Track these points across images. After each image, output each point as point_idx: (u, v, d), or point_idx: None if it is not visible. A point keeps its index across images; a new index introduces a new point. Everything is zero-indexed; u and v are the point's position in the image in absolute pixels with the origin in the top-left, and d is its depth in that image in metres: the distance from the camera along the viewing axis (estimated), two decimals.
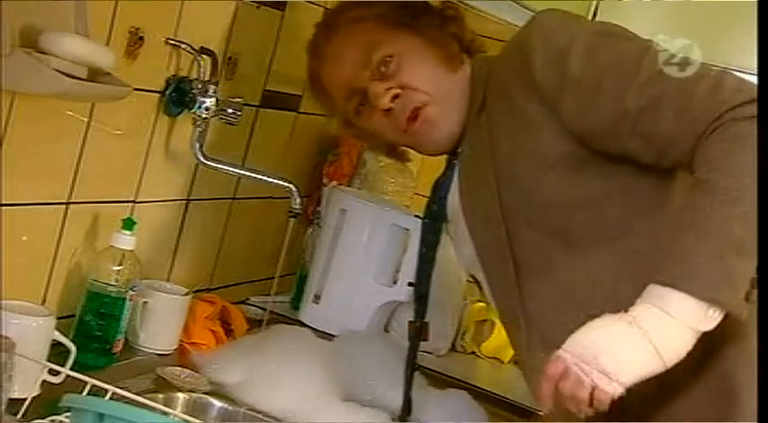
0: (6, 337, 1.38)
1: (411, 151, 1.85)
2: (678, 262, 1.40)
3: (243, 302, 2.27)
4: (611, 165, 1.56)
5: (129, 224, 1.74)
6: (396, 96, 1.69)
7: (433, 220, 1.79)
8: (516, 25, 2.02)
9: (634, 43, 1.58)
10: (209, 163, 1.93)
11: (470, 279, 2.36)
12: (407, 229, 2.25)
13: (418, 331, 1.85)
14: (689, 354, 1.42)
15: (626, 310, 1.41)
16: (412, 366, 1.86)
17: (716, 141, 1.43)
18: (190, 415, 1.54)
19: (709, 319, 1.37)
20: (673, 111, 1.48)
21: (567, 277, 1.59)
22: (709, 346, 1.46)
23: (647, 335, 1.37)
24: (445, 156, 1.75)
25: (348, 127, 1.83)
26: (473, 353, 2.46)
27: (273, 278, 2.18)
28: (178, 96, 1.85)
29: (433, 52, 1.73)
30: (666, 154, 1.50)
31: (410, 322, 1.87)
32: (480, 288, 1.79)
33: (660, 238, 1.50)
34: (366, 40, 1.72)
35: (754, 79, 1.56)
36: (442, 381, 2.09)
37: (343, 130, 1.91)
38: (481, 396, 2.04)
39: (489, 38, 2.93)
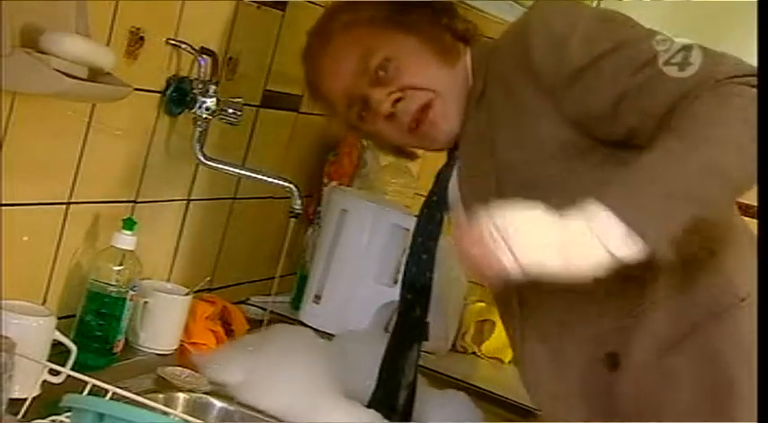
0: (7, 337, 1.38)
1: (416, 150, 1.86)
2: (621, 186, 1.39)
3: (243, 302, 2.27)
4: (611, 153, 1.56)
5: (129, 224, 1.74)
6: (397, 100, 1.69)
7: (433, 210, 1.79)
8: None
9: (634, 30, 1.58)
10: (209, 163, 1.93)
11: (472, 280, 2.37)
12: (408, 230, 2.24)
13: (414, 328, 1.85)
14: (687, 349, 1.43)
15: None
16: (408, 366, 1.86)
17: (703, 98, 1.43)
18: (190, 415, 1.54)
19: (628, 247, 1.35)
20: (672, 83, 1.47)
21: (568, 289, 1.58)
22: (706, 344, 1.47)
23: (562, 234, 1.37)
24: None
25: (353, 130, 1.83)
26: (473, 353, 2.47)
27: (274, 278, 2.18)
28: (178, 96, 1.85)
29: (430, 49, 1.72)
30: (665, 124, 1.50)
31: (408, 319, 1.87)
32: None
33: None
34: (361, 46, 1.71)
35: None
36: (442, 381, 2.09)
37: (349, 133, 1.91)
38: (482, 396, 2.04)
39: (490, 38, 2.94)
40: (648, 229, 1.35)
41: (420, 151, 1.88)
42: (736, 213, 1.65)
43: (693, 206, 1.38)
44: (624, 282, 1.51)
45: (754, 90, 1.42)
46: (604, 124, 1.54)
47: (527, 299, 1.64)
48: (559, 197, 1.56)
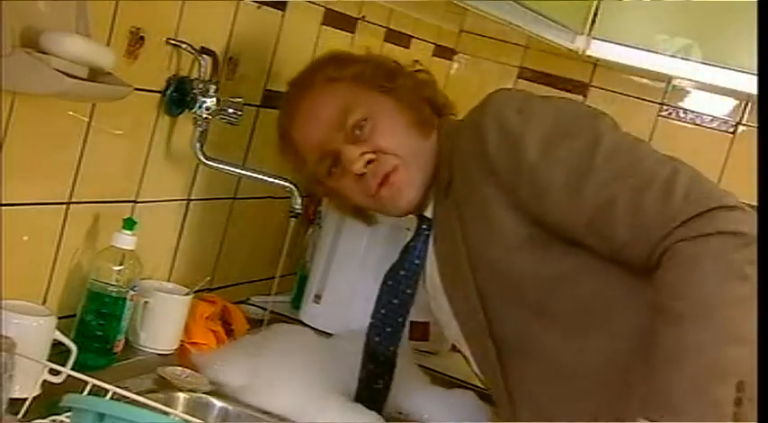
0: (7, 337, 1.38)
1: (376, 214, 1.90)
2: (661, 395, 1.40)
3: (243, 302, 2.27)
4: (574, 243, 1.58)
5: (129, 224, 1.74)
6: (369, 161, 1.70)
7: (401, 284, 1.82)
8: (516, 25, 2.02)
9: (589, 131, 1.58)
10: (209, 163, 1.93)
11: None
12: (408, 229, 2.24)
13: (376, 401, 1.85)
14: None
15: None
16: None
17: (671, 265, 1.44)
18: (190, 415, 1.53)
19: None
20: (627, 215, 1.49)
21: (551, 352, 1.60)
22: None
23: None
24: None
25: (316, 185, 1.84)
26: None
27: (274, 278, 2.18)
28: (179, 96, 1.85)
29: (407, 116, 1.75)
30: (621, 255, 1.52)
31: (412, 322, 1.88)
32: (468, 362, 1.80)
33: (640, 308, 1.51)
34: (341, 102, 1.73)
35: (754, 79, 1.56)
36: (442, 381, 2.09)
37: (311, 188, 1.92)
38: (482, 396, 2.04)
39: (490, 38, 2.95)
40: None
41: (379, 216, 1.90)
42: None
43: (727, 378, 1.39)
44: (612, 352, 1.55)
45: (719, 240, 1.42)
46: (560, 231, 1.57)
47: (515, 392, 1.66)
48: (534, 287, 1.58)
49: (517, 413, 1.65)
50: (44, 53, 1.42)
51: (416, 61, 1.89)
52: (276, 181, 2.00)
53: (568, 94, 2.84)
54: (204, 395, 1.76)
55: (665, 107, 2.79)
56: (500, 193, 1.60)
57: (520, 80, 2.90)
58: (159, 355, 1.87)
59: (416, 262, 1.80)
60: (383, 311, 1.84)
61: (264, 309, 2.19)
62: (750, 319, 1.37)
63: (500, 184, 1.60)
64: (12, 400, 1.38)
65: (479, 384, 2.16)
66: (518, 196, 1.59)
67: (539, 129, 1.58)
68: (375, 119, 1.72)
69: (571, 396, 1.60)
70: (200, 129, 1.89)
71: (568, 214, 1.54)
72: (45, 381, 1.52)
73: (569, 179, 1.53)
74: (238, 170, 2.02)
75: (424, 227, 1.79)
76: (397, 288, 1.83)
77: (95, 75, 1.50)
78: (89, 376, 1.43)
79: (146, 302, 1.85)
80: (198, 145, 1.90)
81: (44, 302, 1.69)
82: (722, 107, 2.76)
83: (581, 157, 1.54)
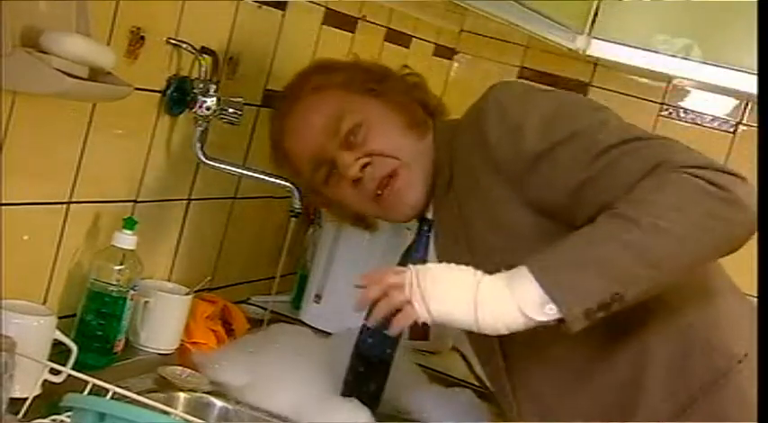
0: (7, 337, 1.38)
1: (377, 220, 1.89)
2: (549, 254, 1.44)
3: (244, 302, 2.27)
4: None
5: (130, 224, 1.74)
6: (365, 165, 1.70)
7: None
8: (517, 25, 2.02)
9: (590, 117, 1.58)
10: (210, 163, 1.93)
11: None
12: (409, 230, 2.25)
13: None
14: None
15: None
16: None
17: (644, 183, 1.45)
18: (191, 415, 1.54)
19: (543, 313, 1.40)
20: (625, 175, 1.48)
21: (557, 351, 1.59)
22: (711, 412, 1.50)
23: (478, 293, 1.42)
24: None
25: (314, 195, 1.84)
26: None
27: (274, 278, 2.18)
28: (179, 96, 1.85)
29: (401, 118, 1.74)
30: None
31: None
32: (469, 365, 1.80)
33: (651, 305, 1.50)
34: (333, 109, 1.73)
35: (754, 79, 1.56)
36: (443, 380, 2.09)
37: (309, 198, 1.91)
38: (481, 395, 2.04)
39: (490, 37, 2.95)
40: (564, 298, 1.39)
41: (380, 222, 1.89)
42: (718, 275, 1.63)
43: (611, 283, 1.40)
44: (619, 354, 1.54)
45: (699, 181, 1.42)
46: (564, 213, 1.55)
47: (521, 390, 1.66)
48: None
49: (522, 413, 1.65)
50: (44, 53, 1.42)
51: (405, 66, 1.88)
52: (276, 181, 2.00)
53: None
54: (204, 395, 1.76)
55: (665, 107, 2.80)
56: (503, 182, 1.59)
57: (520, 80, 2.90)
58: (159, 354, 1.88)
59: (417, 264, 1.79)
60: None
61: (265, 308, 2.20)
62: (668, 248, 1.40)
63: (503, 172, 1.59)
64: (12, 399, 1.38)
65: (479, 384, 2.16)
66: (522, 184, 1.57)
67: (540, 117, 1.57)
68: (368, 123, 1.72)
69: (577, 396, 1.59)
70: (201, 128, 1.89)
71: (570, 193, 1.53)
72: (45, 380, 1.52)
73: (571, 160, 1.53)
74: (239, 170, 2.02)
75: (425, 228, 1.79)
76: None
77: (96, 74, 1.50)
78: (89, 376, 1.43)
79: (146, 302, 1.85)
80: (198, 145, 1.90)
81: (44, 302, 1.69)
82: (722, 107, 2.76)
83: (580, 138, 1.53)
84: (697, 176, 1.42)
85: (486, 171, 1.61)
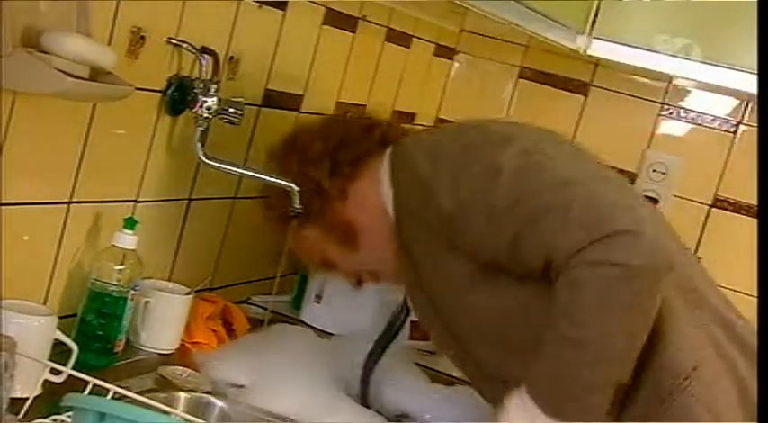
0: (8, 337, 1.38)
1: None
2: (534, 382, 1.50)
3: (244, 302, 2.27)
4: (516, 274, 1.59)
5: (130, 223, 1.74)
6: (359, 280, 1.83)
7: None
8: (517, 24, 2.02)
9: (488, 164, 1.57)
10: (210, 162, 1.93)
11: None
12: None
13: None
14: None
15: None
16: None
17: (561, 286, 1.48)
18: (191, 415, 1.54)
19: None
20: (534, 246, 1.51)
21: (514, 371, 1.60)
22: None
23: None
24: None
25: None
26: None
27: (275, 278, 2.19)
28: (180, 96, 1.85)
29: (333, 235, 1.76)
30: (547, 278, 1.53)
31: (412, 322, 1.88)
32: None
33: None
34: (294, 246, 1.84)
35: (754, 79, 1.56)
36: (443, 380, 2.09)
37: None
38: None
39: (490, 37, 2.95)
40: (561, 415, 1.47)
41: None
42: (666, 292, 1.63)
43: (592, 394, 1.48)
44: None
45: (600, 272, 1.45)
46: (492, 265, 1.58)
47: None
48: (494, 320, 1.59)
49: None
50: (45, 53, 1.42)
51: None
52: (277, 180, 2.00)
53: (569, 94, 2.85)
54: (205, 395, 1.76)
55: (665, 107, 2.79)
56: (434, 238, 1.62)
57: (521, 80, 2.90)
58: (160, 354, 1.88)
59: None
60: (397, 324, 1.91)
61: (265, 308, 2.20)
62: (626, 344, 1.47)
63: (431, 231, 1.61)
64: (13, 399, 1.39)
65: None
66: (448, 240, 1.60)
67: (447, 172, 1.59)
68: (323, 253, 1.80)
69: None
70: (201, 128, 1.89)
71: (492, 252, 1.56)
72: (46, 380, 1.52)
73: (481, 219, 1.55)
74: (239, 170, 2.02)
75: None
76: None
77: (96, 74, 1.50)
78: (90, 376, 1.43)
79: (146, 302, 1.85)
80: (199, 144, 1.90)
81: (45, 302, 1.69)
82: (723, 107, 2.76)
83: (484, 195, 1.55)
84: (595, 265, 1.44)
85: (419, 230, 1.65)
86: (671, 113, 2.79)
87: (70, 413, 1.34)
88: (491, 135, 1.64)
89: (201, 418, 1.43)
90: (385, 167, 1.68)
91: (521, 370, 1.53)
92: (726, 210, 2.72)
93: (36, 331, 1.53)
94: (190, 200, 2.04)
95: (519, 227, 1.51)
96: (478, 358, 1.68)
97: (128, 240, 1.74)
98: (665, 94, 2.79)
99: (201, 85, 1.85)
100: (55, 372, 1.53)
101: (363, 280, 1.83)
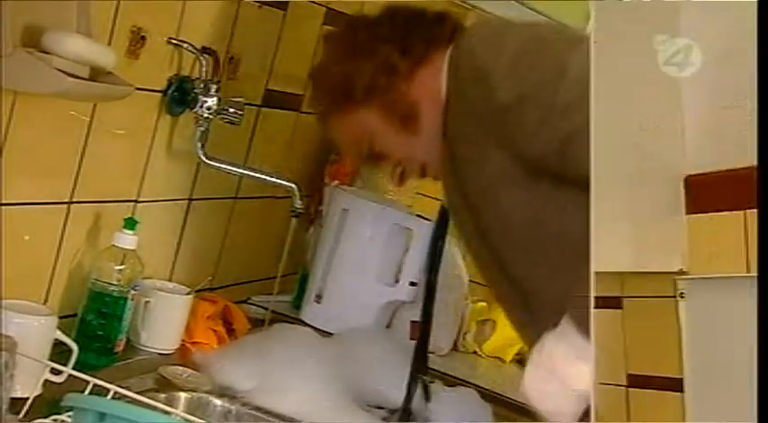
0: (8, 337, 1.38)
1: None
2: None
3: (245, 302, 2.27)
4: (559, 177, 1.56)
5: (130, 223, 1.74)
6: (402, 172, 1.72)
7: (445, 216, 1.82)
8: None
9: (556, 62, 1.54)
10: (211, 162, 1.93)
11: (472, 279, 2.37)
12: (409, 229, 2.25)
13: (425, 331, 1.86)
14: None
15: None
16: (418, 369, 1.87)
17: None
18: (191, 415, 1.54)
19: None
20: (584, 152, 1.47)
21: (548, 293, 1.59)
22: None
23: None
24: None
25: None
26: (474, 352, 2.47)
27: (275, 277, 2.18)
28: (180, 96, 1.85)
29: (394, 119, 1.67)
30: None
31: (412, 322, 1.88)
32: None
33: None
34: (341, 135, 1.74)
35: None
36: (444, 380, 2.09)
37: None
38: (483, 395, 2.04)
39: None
40: None
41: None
42: None
43: None
44: None
45: None
46: (538, 165, 1.55)
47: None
48: (526, 228, 1.59)
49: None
50: (45, 53, 1.42)
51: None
52: (278, 180, 2.00)
53: None
54: (205, 395, 1.76)
55: None
56: (482, 133, 1.57)
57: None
58: (160, 354, 1.88)
59: None
60: (440, 244, 1.88)
61: (266, 308, 2.20)
62: None
63: (481, 124, 1.57)
64: (13, 399, 1.39)
65: (480, 384, 2.17)
66: (497, 135, 1.56)
67: (509, 62, 1.54)
68: (373, 138, 1.69)
69: None
70: (202, 128, 1.89)
71: (541, 150, 1.52)
72: (46, 380, 1.52)
73: (537, 114, 1.51)
74: (239, 170, 2.02)
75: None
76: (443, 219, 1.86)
77: (96, 74, 1.50)
78: (90, 376, 1.43)
79: (147, 302, 1.85)
80: (199, 144, 1.90)
81: (45, 302, 1.69)
82: None
83: (545, 90, 1.51)
84: None
85: (466, 121, 1.59)
86: None
87: (70, 413, 1.33)
88: (562, 33, 1.62)
89: (202, 418, 1.43)
90: (448, 56, 1.63)
91: (557, 287, 1.50)
92: None
93: (36, 331, 1.53)
94: (190, 200, 2.04)
95: (574, 128, 1.47)
96: (514, 276, 1.64)
97: (128, 240, 1.74)
98: None
99: (202, 85, 1.86)
100: (55, 372, 1.53)
101: (408, 173, 1.72)
